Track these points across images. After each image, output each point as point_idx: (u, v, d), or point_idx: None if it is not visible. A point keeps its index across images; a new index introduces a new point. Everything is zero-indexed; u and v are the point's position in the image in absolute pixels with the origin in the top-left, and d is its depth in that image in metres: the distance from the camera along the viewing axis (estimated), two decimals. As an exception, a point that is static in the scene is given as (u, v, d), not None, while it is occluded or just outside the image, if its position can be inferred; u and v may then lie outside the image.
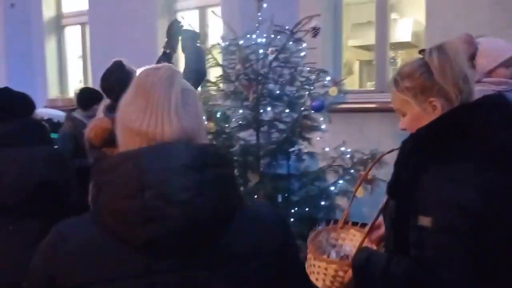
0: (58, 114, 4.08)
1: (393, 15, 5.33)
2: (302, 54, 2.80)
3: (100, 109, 2.93)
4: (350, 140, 2.97)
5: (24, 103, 2.30)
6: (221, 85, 2.82)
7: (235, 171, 2.71)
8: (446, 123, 1.21)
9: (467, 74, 1.25)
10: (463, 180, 1.16)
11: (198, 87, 2.60)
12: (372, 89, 4.45)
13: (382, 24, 4.27)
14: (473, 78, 1.26)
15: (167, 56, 2.85)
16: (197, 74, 2.53)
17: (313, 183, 2.81)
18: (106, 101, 3.18)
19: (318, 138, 2.88)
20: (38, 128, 2.29)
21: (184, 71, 2.60)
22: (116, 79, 2.59)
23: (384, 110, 3.62)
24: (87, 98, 3.77)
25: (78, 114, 3.79)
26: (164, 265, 0.87)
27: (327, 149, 2.79)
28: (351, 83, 5.31)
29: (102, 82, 2.67)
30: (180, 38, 2.61)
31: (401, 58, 5.89)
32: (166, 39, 2.81)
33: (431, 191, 1.19)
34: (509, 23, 3.37)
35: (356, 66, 6.14)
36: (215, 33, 5.03)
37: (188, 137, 0.92)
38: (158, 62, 2.87)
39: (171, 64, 1.02)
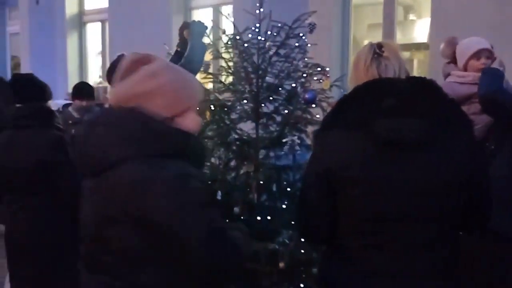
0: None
1: (411, 16, 5.37)
2: (304, 49, 2.88)
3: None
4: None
5: (41, 90, 2.47)
6: (222, 77, 2.93)
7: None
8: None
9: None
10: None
11: (194, 75, 2.74)
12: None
13: (389, 24, 4.32)
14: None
15: (179, 54, 3.00)
16: (193, 65, 2.66)
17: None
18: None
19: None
20: (47, 114, 2.44)
21: (184, 58, 2.71)
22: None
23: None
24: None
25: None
26: None
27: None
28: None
29: (107, 74, 2.83)
30: (190, 32, 2.76)
31: (418, 59, 5.91)
32: (179, 38, 2.97)
33: None
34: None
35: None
36: (228, 30, 5.14)
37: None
38: (171, 60, 3.03)
39: None
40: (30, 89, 2.43)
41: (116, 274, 1.23)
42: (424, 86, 1.38)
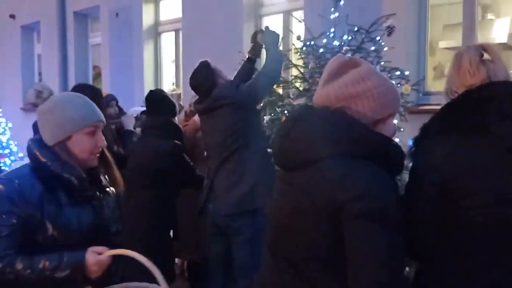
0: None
1: (489, 16, 5.07)
2: (380, 53, 2.82)
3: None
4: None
5: (170, 107, 3.05)
6: (296, 84, 2.94)
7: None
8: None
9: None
10: None
11: (272, 85, 2.77)
12: (459, 91, 4.27)
13: (470, 24, 4.10)
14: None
15: (251, 61, 3.07)
16: (273, 74, 2.71)
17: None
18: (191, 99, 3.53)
19: (397, 139, 2.86)
20: (170, 127, 3.01)
21: (262, 69, 2.79)
22: (203, 77, 2.86)
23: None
24: None
25: None
26: None
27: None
28: (443, 85, 5.10)
29: (191, 81, 2.97)
30: (265, 42, 2.83)
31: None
32: (251, 45, 3.03)
33: None
34: None
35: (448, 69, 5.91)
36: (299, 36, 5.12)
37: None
38: (243, 66, 3.08)
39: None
40: (161, 104, 2.94)
41: (300, 269, 1.25)
42: None
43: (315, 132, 1.26)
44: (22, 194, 1.63)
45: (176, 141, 2.95)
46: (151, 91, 3.13)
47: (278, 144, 1.35)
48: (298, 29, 5.22)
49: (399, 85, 2.71)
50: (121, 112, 4.76)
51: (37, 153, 1.72)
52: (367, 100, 1.28)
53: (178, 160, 2.92)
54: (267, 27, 2.90)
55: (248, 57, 3.12)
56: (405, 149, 2.56)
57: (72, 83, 8.17)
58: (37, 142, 1.76)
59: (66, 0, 8.52)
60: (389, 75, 2.67)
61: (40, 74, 10.10)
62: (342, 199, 1.19)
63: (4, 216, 1.61)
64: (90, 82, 8.51)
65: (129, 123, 3.51)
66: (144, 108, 4.50)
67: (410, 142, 1.47)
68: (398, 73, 2.66)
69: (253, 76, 2.88)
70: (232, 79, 2.99)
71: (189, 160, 3.05)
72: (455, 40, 5.17)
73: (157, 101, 3.01)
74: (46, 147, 1.73)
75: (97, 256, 1.72)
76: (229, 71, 3.10)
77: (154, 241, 2.73)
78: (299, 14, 4.77)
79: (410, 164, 1.44)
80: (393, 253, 1.18)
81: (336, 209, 1.19)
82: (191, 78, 2.94)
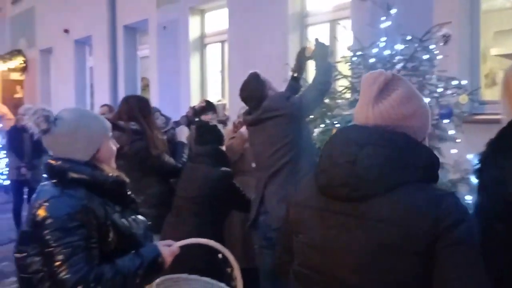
0: None
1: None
2: (433, 62, 2.75)
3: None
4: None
5: (218, 137, 3.19)
6: (347, 95, 2.90)
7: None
8: None
9: None
10: None
11: (323, 97, 2.74)
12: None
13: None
14: None
15: (295, 79, 3.01)
16: (323, 86, 2.68)
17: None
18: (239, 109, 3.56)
19: (454, 150, 2.77)
20: (219, 156, 3.13)
21: (312, 81, 2.77)
22: (253, 88, 2.86)
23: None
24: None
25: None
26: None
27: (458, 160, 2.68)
28: (495, 93, 4.91)
29: (241, 92, 2.98)
30: (314, 54, 2.80)
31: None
32: (295, 63, 2.98)
33: None
34: None
35: (500, 76, 5.68)
36: (346, 45, 5.05)
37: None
38: (289, 85, 3.02)
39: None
40: (210, 135, 3.06)
41: None
42: None
43: (387, 157, 1.16)
44: (87, 208, 1.68)
45: (225, 168, 3.08)
46: (200, 121, 3.30)
47: (342, 172, 1.19)
48: (345, 38, 5.18)
49: (454, 94, 2.63)
50: (168, 121, 4.86)
51: (76, 169, 1.74)
52: (415, 119, 1.23)
53: (228, 187, 3.03)
54: (317, 39, 2.86)
55: (292, 75, 3.05)
56: (462, 160, 2.46)
57: (121, 94, 8.44)
58: (67, 161, 1.76)
59: (116, 15, 8.85)
60: (445, 84, 2.59)
61: (91, 86, 10.51)
62: (444, 226, 1.09)
63: (78, 231, 1.63)
64: (139, 93, 8.77)
65: (182, 134, 3.59)
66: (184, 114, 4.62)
67: (472, 157, 1.41)
68: (455, 82, 2.58)
69: (303, 88, 2.86)
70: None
71: (238, 186, 3.15)
72: (507, 46, 4.97)
73: (206, 131, 3.17)
74: (79, 163, 1.77)
75: (169, 248, 1.83)
76: (274, 81, 3.09)
77: (202, 265, 2.72)
78: (345, 24, 4.72)
79: (474, 180, 1.38)
80: (487, 277, 1.10)
81: (436, 237, 1.09)
82: (241, 90, 2.94)
